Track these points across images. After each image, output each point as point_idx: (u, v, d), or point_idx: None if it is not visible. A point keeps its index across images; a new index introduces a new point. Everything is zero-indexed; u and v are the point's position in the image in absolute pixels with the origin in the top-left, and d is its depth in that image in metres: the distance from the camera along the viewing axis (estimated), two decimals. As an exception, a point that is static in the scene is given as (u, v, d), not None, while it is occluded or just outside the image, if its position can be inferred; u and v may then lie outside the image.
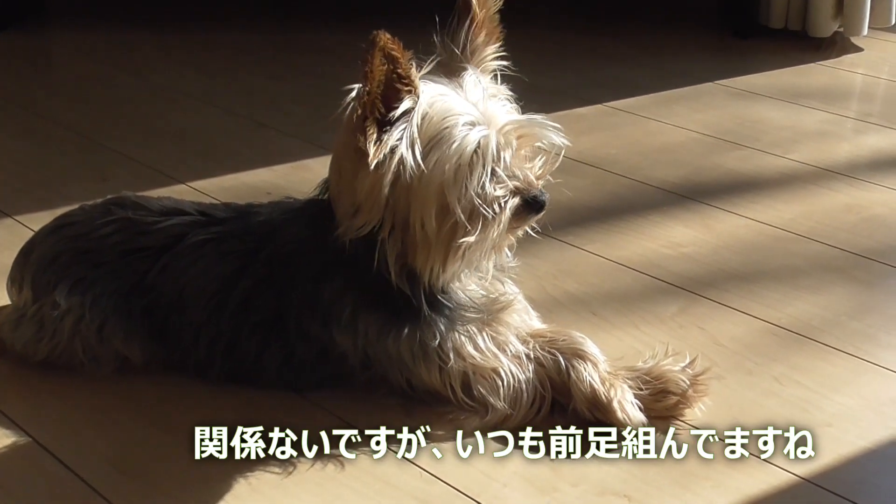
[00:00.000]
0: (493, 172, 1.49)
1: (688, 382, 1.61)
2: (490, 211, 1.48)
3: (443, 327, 1.57)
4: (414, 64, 1.46)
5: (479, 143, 1.47)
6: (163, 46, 3.44)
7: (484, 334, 1.61)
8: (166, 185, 2.41)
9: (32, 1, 3.81)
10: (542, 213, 1.53)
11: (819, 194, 2.38)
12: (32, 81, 3.28)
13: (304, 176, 2.34)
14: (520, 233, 1.60)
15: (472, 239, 1.48)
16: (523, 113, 1.58)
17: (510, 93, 1.62)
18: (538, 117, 1.55)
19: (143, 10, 3.84)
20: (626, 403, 1.57)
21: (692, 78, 3.08)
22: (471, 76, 1.54)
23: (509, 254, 1.66)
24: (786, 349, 1.79)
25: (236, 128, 2.77)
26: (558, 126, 1.55)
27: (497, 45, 1.62)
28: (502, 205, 1.49)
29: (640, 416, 1.57)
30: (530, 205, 1.52)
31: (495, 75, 1.62)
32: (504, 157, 1.49)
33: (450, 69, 1.57)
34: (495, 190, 1.49)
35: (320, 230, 1.59)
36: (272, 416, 1.62)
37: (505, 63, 1.63)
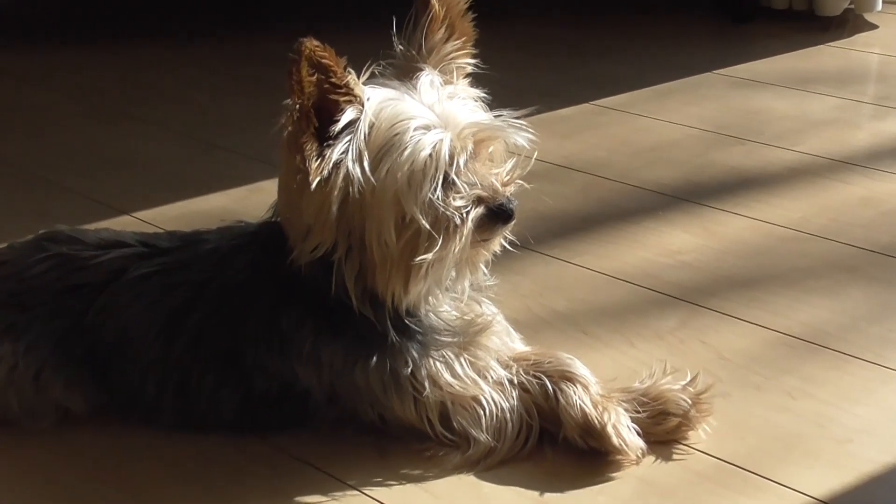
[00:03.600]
0: (452, 180, 1.50)
1: (689, 402, 1.62)
2: (451, 223, 1.49)
3: (415, 354, 1.58)
4: (352, 71, 1.48)
5: (433, 147, 1.48)
6: (101, 64, 3.45)
7: (462, 360, 1.62)
8: (110, 217, 2.42)
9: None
10: (510, 224, 1.55)
11: (831, 188, 2.40)
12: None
13: (262, 199, 2.31)
14: (492, 246, 1.61)
15: (431, 255, 1.49)
16: (494, 115, 1.59)
17: (480, 93, 1.64)
18: (504, 117, 1.56)
19: (77, 23, 3.87)
20: (622, 428, 1.58)
21: (687, 69, 3.11)
22: (426, 77, 1.55)
23: (485, 271, 1.67)
24: (798, 360, 1.81)
25: (186, 151, 2.79)
26: (525, 125, 1.57)
27: (462, 42, 1.63)
28: (463, 216, 1.50)
29: (638, 442, 1.58)
30: (496, 214, 1.53)
31: (461, 75, 1.64)
32: (460, 163, 1.51)
33: (406, 71, 1.59)
34: (455, 199, 1.50)
35: (274, 255, 1.60)
36: (230, 465, 1.62)
37: (472, 62, 1.64)
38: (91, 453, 1.69)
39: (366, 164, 1.47)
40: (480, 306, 1.68)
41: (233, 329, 1.64)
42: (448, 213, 1.49)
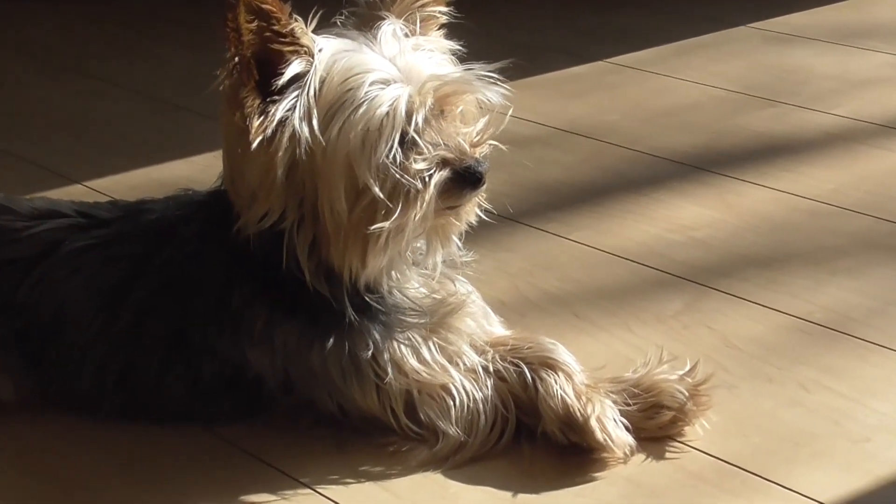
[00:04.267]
0: (412, 140, 1.54)
1: (686, 394, 1.65)
2: (411, 186, 1.53)
3: (377, 336, 1.62)
4: (299, 19, 1.52)
5: (391, 104, 1.52)
6: (50, 16, 3.51)
7: (430, 344, 1.66)
8: (59, 187, 2.48)
9: None
10: (479, 188, 1.58)
11: (871, 157, 2.44)
12: None
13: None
14: (463, 215, 1.64)
15: (389, 224, 1.53)
16: (464, 68, 1.62)
17: (454, 45, 1.67)
18: (475, 70, 1.60)
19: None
20: (608, 421, 1.61)
21: (716, 21, 3.15)
22: (388, 26, 1.59)
23: (460, 245, 1.71)
24: (815, 348, 1.84)
25: (145, 112, 2.84)
26: (498, 79, 1.60)
27: None
28: (426, 179, 1.54)
29: (625, 437, 1.62)
30: (463, 178, 1.57)
31: (432, 26, 1.67)
32: (420, 120, 1.54)
33: (367, 20, 1.62)
34: (416, 161, 1.54)
35: (224, 227, 1.64)
36: (175, 459, 1.67)
37: (444, 10, 1.68)
38: (23, 446, 1.73)
39: (315, 122, 1.51)
40: (454, 284, 1.72)
41: (179, 308, 1.68)
42: (406, 177, 1.53)
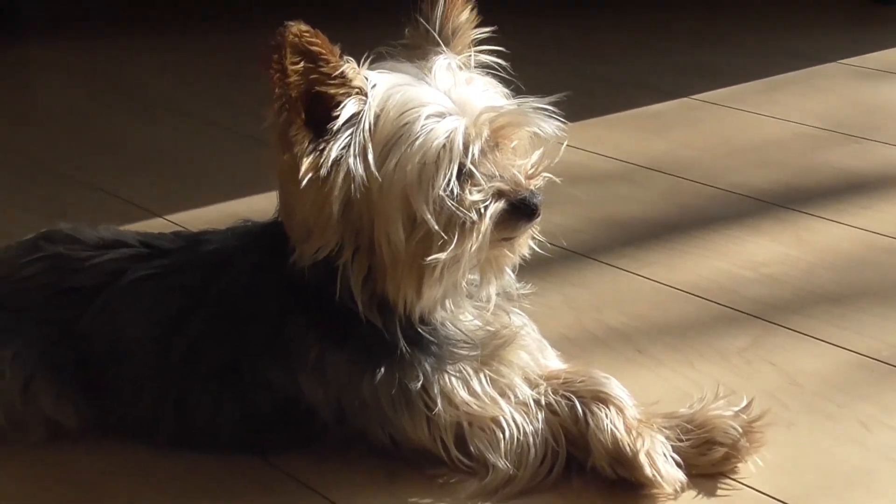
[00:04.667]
0: (469, 171, 1.56)
1: (740, 431, 1.65)
2: (467, 218, 1.55)
3: (428, 367, 1.64)
4: (350, 59, 1.55)
5: (448, 136, 1.54)
6: (140, 56, 3.60)
7: (481, 376, 1.67)
8: (141, 220, 2.54)
9: (4, 8, 4.06)
10: (534, 220, 1.60)
11: (957, 195, 2.41)
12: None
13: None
14: (518, 248, 1.66)
15: (445, 255, 1.55)
16: (518, 101, 1.63)
17: (509, 81, 1.70)
18: (530, 101, 1.62)
19: (117, 14, 4.04)
20: (657, 456, 1.61)
21: (806, 58, 3.14)
22: (443, 60, 1.61)
23: (513, 277, 1.73)
24: (879, 386, 1.83)
25: (227, 146, 2.90)
26: (553, 112, 1.61)
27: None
28: (481, 210, 1.56)
29: (675, 473, 1.62)
30: (518, 210, 1.58)
31: (487, 61, 1.70)
32: (477, 152, 1.56)
33: (421, 54, 1.65)
34: (471, 193, 1.56)
35: (279, 258, 1.67)
36: (228, 488, 1.70)
37: (497, 48, 1.71)
38: (81, 471, 1.77)
39: (370, 158, 1.53)
40: (508, 317, 1.74)
41: (233, 338, 1.72)
42: (462, 209, 1.55)
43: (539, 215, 1.60)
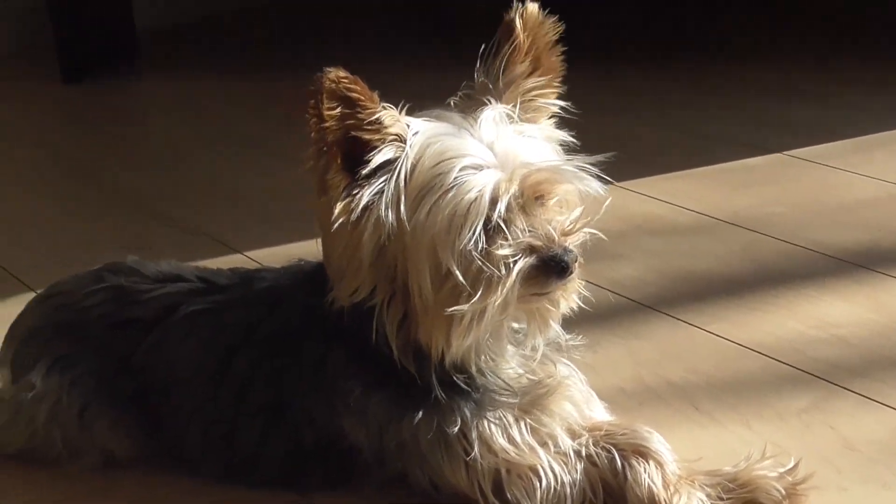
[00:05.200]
0: (497, 226, 1.57)
1: (783, 492, 1.65)
2: (493, 273, 1.56)
3: (467, 412, 1.66)
4: (389, 106, 1.58)
5: (479, 189, 1.56)
6: (237, 94, 3.71)
7: (522, 424, 1.69)
8: (220, 255, 2.61)
9: (124, 47, 4.21)
10: (566, 277, 1.59)
11: None
12: (89, 135, 3.61)
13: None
14: (563, 300, 1.67)
15: (468, 307, 1.56)
16: (566, 158, 1.65)
17: (563, 135, 1.71)
18: (574, 159, 1.64)
19: (218, 52, 4.16)
20: (692, 513, 1.62)
21: (907, 118, 3.11)
22: (490, 111, 1.63)
23: (559, 327, 1.74)
24: (942, 458, 1.81)
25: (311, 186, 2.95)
26: (596, 171, 1.64)
27: (547, 78, 1.70)
28: (509, 265, 1.57)
29: (710, 531, 1.62)
30: (548, 266, 1.58)
31: (542, 115, 1.71)
32: (505, 207, 1.57)
33: (476, 103, 1.68)
34: (501, 247, 1.57)
35: (325, 298, 1.71)
36: (270, 524, 1.75)
37: (558, 102, 1.72)
38: (127, 498, 1.83)
39: (402, 206, 1.56)
40: (555, 367, 1.75)
41: (279, 377, 1.76)
42: (490, 261, 1.56)
43: (571, 272, 1.60)
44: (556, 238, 1.59)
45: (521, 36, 1.67)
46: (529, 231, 1.59)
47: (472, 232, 1.56)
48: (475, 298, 1.57)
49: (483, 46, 1.69)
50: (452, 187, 1.56)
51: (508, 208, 1.58)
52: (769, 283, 2.34)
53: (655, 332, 2.18)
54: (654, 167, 2.93)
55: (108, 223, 2.94)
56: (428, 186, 1.57)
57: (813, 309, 2.23)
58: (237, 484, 1.81)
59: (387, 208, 1.57)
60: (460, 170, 1.57)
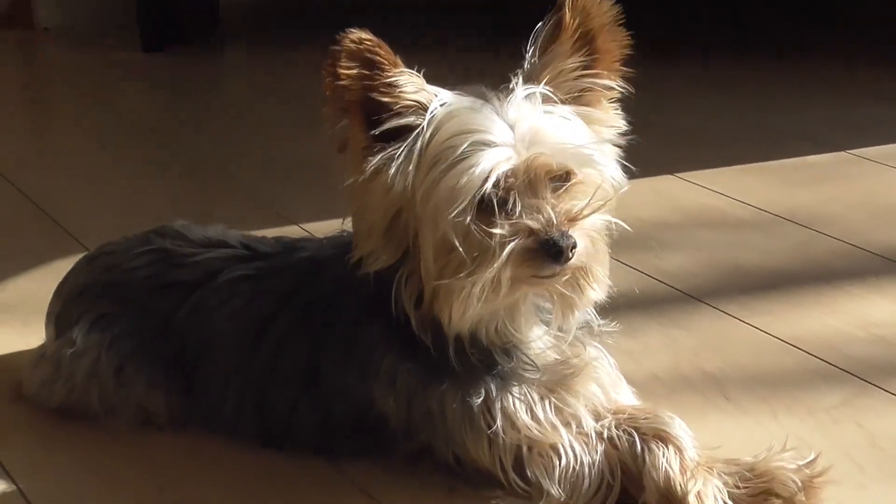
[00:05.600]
0: (500, 203, 1.60)
1: (799, 484, 1.67)
2: (486, 249, 1.59)
3: (493, 386, 1.70)
4: (414, 73, 1.63)
5: (483, 165, 1.59)
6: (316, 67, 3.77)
7: (546, 403, 1.73)
8: (276, 226, 2.66)
9: (205, 18, 4.30)
10: (560, 261, 1.60)
11: None
12: (165, 105, 3.68)
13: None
14: (583, 287, 1.68)
15: (458, 281, 1.60)
16: (591, 143, 1.67)
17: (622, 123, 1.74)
18: (597, 145, 1.66)
19: (320, 23, 4.20)
20: (707, 500, 1.65)
21: None
22: (522, 90, 1.66)
23: (592, 312, 1.77)
24: (965, 460, 1.82)
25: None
26: (614, 159, 1.67)
27: (593, 59, 1.71)
28: (503, 245, 1.59)
29: (724, 519, 1.65)
30: (544, 249, 1.60)
31: (594, 97, 1.73)
32: (507, 185, 1.60)
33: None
34: (500, 226, 1.60)
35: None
36: (296, 489, 1.80)
37: (609, 83, 1.72)
38: (162, 459, 1.89)
39: (412, 174, 1.61)
40: (585, 349, 1.78)
41: (314, 346, 1.81)
42: (484, 239, 1.59)
43: (566, 258, 1.60)
44: (556, 222, 1.60)
45: (567, 16, 1.68)
46: (531, 212, 1.61)
47: (468, 207, 1.59)
48: (463, 273, 1.60)
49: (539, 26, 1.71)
50: (459, 161, 1.60)
51: (509, 187, 1.60)
52: (817, 280, 2.36)
53: (697, 322, 2.21)
54: (717, 159, 2.95)
55: (177, 190, 3.02)
56: (438, 158, 1.61)
57: (856, 308, 2.24)
58: (269, 449, 1.86)
59: (399, 174, 1.61)
60: (470, 144, 1.60)
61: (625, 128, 1.75)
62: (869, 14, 4.04)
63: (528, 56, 1.71)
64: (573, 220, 1.61)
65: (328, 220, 2.68)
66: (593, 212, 1.63)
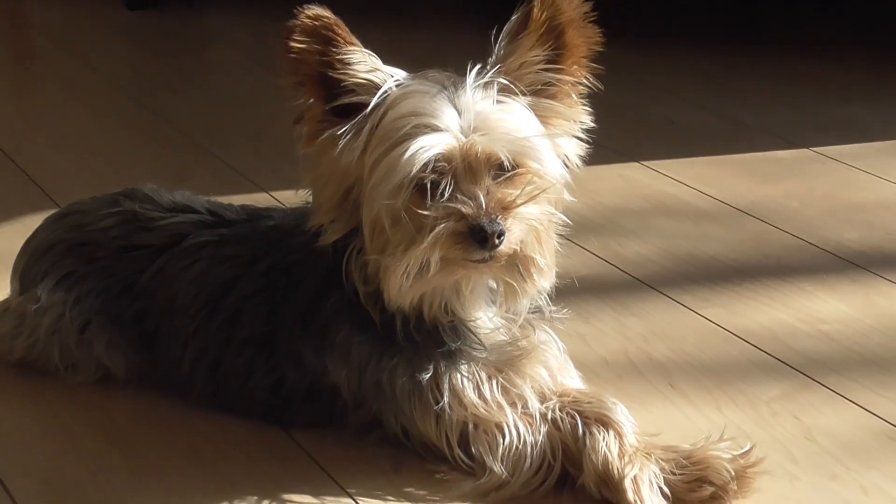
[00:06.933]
0: (429, 187, 1.63)
1: (732, 473, 1.70)
2: (416, 230, 1.63)
3: (442, 363, 1.74)
4: (371, 53, 1.67)
5: (420, 150, 1.62)
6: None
7: (493, 382, 1.76)
8: (245, 192, 2.69)
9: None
10: (487, 247, 1.63)
11: None
12: (148, 66, 3.70)
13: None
14: (529, 273, 1.71)
15: (386, 259, 1.65)
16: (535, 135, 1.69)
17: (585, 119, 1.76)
18: (542, 138, 1.69)
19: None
20: (643, 485, 1.68)
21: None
22: (475, 78, 1.68)
23: (544, 297, 1.80)
24: (895, 457, 1.85)
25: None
26: (553, 151, 1.70)
27: (555, 53, 1.73)
28: (433, 226, 1.63)
29: (658, 503, 1.69)
30: (472, 234, 1.63)
31: (552, 91, 1.75)
32: (441, 170, 1.63)
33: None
34: (433, 209, 1.63)
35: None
36: (248, 454, 1.83)
37: (571, 78, 1.74)
38: (118, 418, 1.93)
39: (358, 149, 1.65)
40: (534, 332, 1.82)
41: (273, 311, 1.84)
42: (415, 221, 1.63)
43: (493, 245, 1.63)
44: (487, 208, 1.63)
45: (536, 9, 1.71)
46: (464, 198, 1.64)
47: (403, 188, 1.63)
48: (390, 251, 1.65)
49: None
50: (400, 142, 1.63)
51: (444, 171, 1.64)
52: (770, 274, 2.39)
53: (649, 310, 2.24)
54: (684, 150, 2.98)
55: (153, 151, 3.05)
56: (384, 137, 1.65)
57: (806, 303, 2.28)
58: (225, 414, 1.90)
59: (348, 150, 1.66)
60: (413, 127, 1.63)
61: (590, 123, 1.77)
62: (844, 14, 4.06)
63: (495, 46, 1.74)
64: (506, 208, 1.64)
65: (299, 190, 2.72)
66: (527, 202, 1.66)
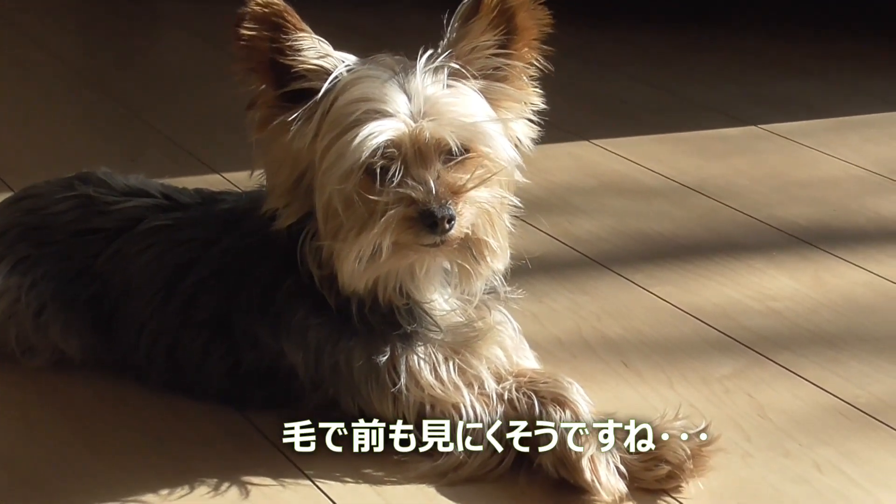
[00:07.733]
0: (379, 172, 1.63)
1: (688, 452, 1.70)
2: (367, 215, 1.63)
3: (399, 345, 1.73)
4: (322, 40, 1.66)
5: (370, 135, 1.61)
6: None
7: (450, 363, 1.75)
8: (198, 174, 2.66)
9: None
10: (436, 232, 1.62)
11: None
12: (100, 46, 3.65)
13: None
14: (482, 256, 1.70)
15: (338, 244, 1.65)
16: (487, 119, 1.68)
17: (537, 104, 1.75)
18: (492, 122, 1.68)
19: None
20: (600, 464, 1.68)
21: (889, 102, 3.13)
22: (425, 62, 1.67)
23: (499, 278, 1.79)
24: (846, 433, 1.85)
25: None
26: (504, 134, 1.69)
27: (506, 37, 1.71)
28: (384, 211, 1.62)
29: (616, 483, 1.67)
30: (422, 219, 1.62)
31: (502, 74, 1.74)
32: (392, 155, 1.62)
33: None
34: (383, 193, 1.62)
35: (280, 222, 1.77)
36: (204, 436, 1.81)
37: (521, 63, 1.73)
38: (74, 401, 1.91)
39: (309, 135, 1.64)
40: (490, 313, 1.81)
41: (227, 294, 1.82)
42: (366, 206, 1.62)
43: (444, 230, 1.62)
44: (436, 193, 1.62)
45: None
46: (414, 183, 1.63)
47: (352, 173, 1.62)
48: (343, 236, 1.65)
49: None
50: (349, 128, 1.62)
51: (394, 157, 1.63)
52: (718, 251, 2.39)
53: (602, 288, 2.24)
54: (633, 127, 2.98)
55: (104, 131, 3.01)
56: (334, 123, 1.64)
57: (755, 280, 2.28)
58: (182, 396, 1.88)
59: (299, 135, 1.65)
60: (363, 112, 1.63)
61: (541, 105, 1.76)
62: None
63: (447, 30, 1.72)
64: (457, 192, 1.63)
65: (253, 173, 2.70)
66: (477, 185, 1.65)
